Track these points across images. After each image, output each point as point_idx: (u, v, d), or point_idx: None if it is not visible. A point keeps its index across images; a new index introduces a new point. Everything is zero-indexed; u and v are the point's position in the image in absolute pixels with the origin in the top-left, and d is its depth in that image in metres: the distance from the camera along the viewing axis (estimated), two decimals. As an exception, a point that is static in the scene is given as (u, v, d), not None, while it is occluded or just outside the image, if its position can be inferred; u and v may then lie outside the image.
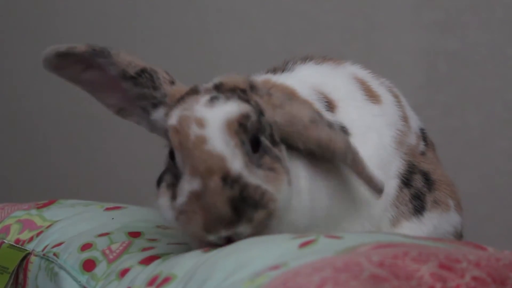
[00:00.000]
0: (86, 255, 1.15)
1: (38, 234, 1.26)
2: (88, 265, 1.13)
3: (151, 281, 0.96)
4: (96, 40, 2.46)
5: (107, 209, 1.31)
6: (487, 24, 1.92)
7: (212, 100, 0.99)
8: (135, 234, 1.18)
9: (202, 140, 0.95)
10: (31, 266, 1.21)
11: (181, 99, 1.01)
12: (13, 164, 2.67)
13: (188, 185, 0.95)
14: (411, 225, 1.14)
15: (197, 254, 0.96)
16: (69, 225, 1.25)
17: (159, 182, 1.01)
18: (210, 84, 1.03)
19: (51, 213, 1.32)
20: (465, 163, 1.95)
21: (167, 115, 1.01)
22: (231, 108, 0.98)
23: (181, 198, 0.95)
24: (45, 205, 1.36)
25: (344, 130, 1.10)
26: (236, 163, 0.95)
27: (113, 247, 1.15)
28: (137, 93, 1.04)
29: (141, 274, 1.02)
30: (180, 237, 1.05)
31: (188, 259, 0.96)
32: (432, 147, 1.24)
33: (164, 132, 1.01)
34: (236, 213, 0.93)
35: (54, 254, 1.18)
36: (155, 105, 1.04)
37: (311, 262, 0.78)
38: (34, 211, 1.33)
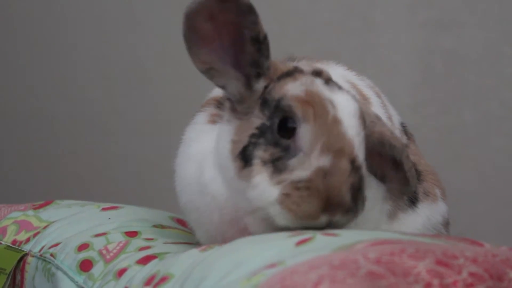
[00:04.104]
0: (83, 255, 1.15)
1: (35, 235, 1.26)
2: (85, 265, 1.13)
3: (148, 281, 0.96)
4: (94, 38, 2.47)
5: (104, 209, 1.31)
6: (483, 22, 1.92)
7: (329, 85, 0.98)
8: (132, 234, 1.18)
9: (337, 120, 0.94)
10: (28, 267, 1.21)
11: (287, 75, 0.99)
12: (10, 165, 2.67)
13: (316, 160, 0.93)
14: (407, 217, 1.14)
15: (194, 253, 0.96)
16: (65, 226, 1.25)
17: (244, 159, 0.97)
18: (307, 69, 1.01)
19: (48, 213, 1.32)
20: (462, 161, 1.95)
21: (267, 87, 0.99)
22: (353, 100, 0.98)
23: (304, 173, 0.93)
24: (41, 206, 1.35)
25: None
26: (361, 152, 0.95)
27: (110, 247, 1.14)
28: (254, 58, 0.99)
29: (138, 274, 1.02)
30: (279, 219, 0.94)
31: (185, 258, 0.96)
32: (412, 139, 1.25)
33: (265, 103, 0.98)
34: (352, 200, 0.93)
35: (51, 255, 1.18)
36: (259, 75, 1.00)
37: (308, 260, 0.78)
38: (30, 212, 1.33)
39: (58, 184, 2.53)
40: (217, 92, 1.10)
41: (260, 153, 0.96)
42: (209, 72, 1.00)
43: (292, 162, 0.94)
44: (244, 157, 0.96)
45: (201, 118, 1.09)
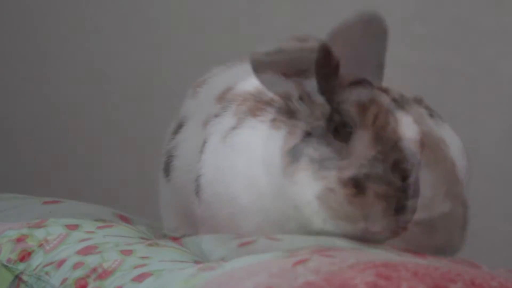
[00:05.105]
0: (78, 273, 1.14)
1: (30, 254, 1.25)
2: (81, 284, 1.12)
3: (144, 299, 0.96)
4: (93, 37, 2.46)
5: (99, 227, 1.31)
6: (479, 38, 1.93)
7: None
8: (127, 252, 1.18)
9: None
10: (23, 286, 1.21)
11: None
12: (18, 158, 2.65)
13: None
14: None
15: (192, 272, 0.96)
16: (61, 244, 1.25)
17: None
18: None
19: (43, 232, 1.31)
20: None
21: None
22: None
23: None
24: (37, 224, 1.35)
25: None
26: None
27: (105, 265, 1.14)
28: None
29: (134, 292, 1.02)
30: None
31: (182, 276, 0.95)
32: None
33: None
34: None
35: (46, 273, 1.18)
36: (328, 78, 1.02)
37: (246, 265, 0.78)
38: (25, 230, 1.32)
39: (65, 182, 2.52)
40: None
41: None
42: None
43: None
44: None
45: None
